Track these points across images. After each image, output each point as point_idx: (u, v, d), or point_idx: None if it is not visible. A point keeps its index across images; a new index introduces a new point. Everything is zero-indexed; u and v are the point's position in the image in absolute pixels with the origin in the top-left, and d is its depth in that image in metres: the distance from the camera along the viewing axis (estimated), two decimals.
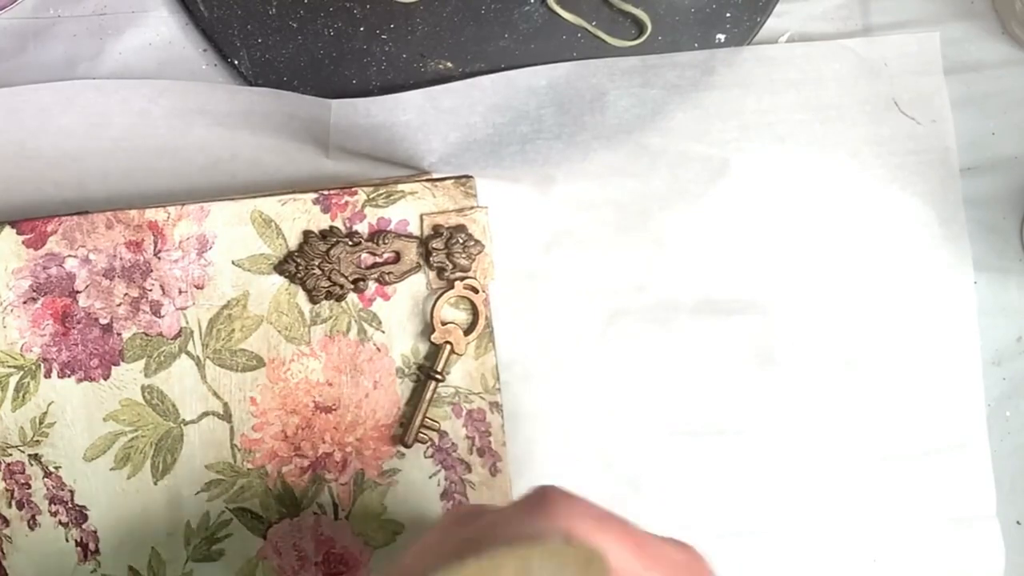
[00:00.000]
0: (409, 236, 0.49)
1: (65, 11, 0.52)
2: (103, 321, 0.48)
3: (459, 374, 0.49)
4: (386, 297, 0.49)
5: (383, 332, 0.49)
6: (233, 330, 0.49)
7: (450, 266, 0.49)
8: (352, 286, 0.49)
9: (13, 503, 0.48)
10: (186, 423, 0.49)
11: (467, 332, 0.49)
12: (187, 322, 0.48)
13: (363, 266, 0.49)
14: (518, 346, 0.52)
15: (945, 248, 0.53)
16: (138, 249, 0.48)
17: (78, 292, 0.48)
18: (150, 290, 0.48)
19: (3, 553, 0.48)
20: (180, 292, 0.48)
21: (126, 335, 0.48)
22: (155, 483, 0.49)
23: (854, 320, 0.53)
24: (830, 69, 0.53)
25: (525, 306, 0.53)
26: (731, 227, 0.53)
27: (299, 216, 0.49)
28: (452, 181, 0.49)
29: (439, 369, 0.48)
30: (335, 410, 0.49)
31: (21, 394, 0.48)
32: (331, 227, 0.49)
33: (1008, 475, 0.53)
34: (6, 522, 0.48)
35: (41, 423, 0.48)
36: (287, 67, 0.52)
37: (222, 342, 0.49)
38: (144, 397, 0.48)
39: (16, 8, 0.52)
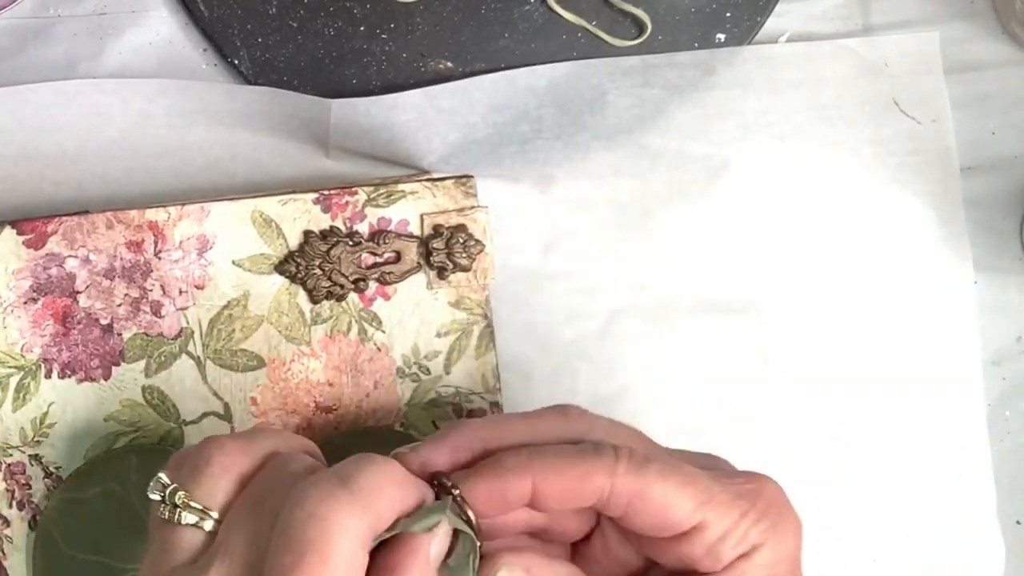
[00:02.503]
0: (409, 236, 0.49)
1: (65, 11, 0.52)
2: (103, 321, 0.48)
3: (460, 374, 0.49)
4: (387, 297, 0.49)
5: (383, 332, 0.49)
6: (233, 330, 0.49)
7: (450, 266, 0.49)
8: (352, 286, 0.49)
9: (14, 503, 0.48)
10: (187, 423, 0.48)
11: None
12: (187, 322, 0.48)
13: (363, 266, 0.49)
14: (518, 346, 0.52)
15: (945, 248, 0.53)
16: (138, 249, 0.48)
17: (78, 292, 0.48)
18: (150, 290, 0.48)
19: (3, 553, 0.48)
20: (180, 292, 0.48)
21: (126, 335, 0.48)
22: None
23: (853, 320, 0.53)
24: (830, 69, 0.53)
25: (525, 306, 0.53)
26: (731, 227, 0.53)
27: (299, 216, 0.49)
28: (452, 181, 0.49)
29: None
30: (335, 410, 0.49)
31: (22, 394, 0.48)
32: (331, 227, 0.49)
33: (1008, 475, 0.53)
34: (6, 522, 0.48)
35: (42, 423, 0.48)
36: (287, 67, 0.52)
37: (222, 342, 0.49)
38: (145, 397, 0.48)
39: (16, 8, 0.52)
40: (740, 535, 0.35)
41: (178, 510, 0.33)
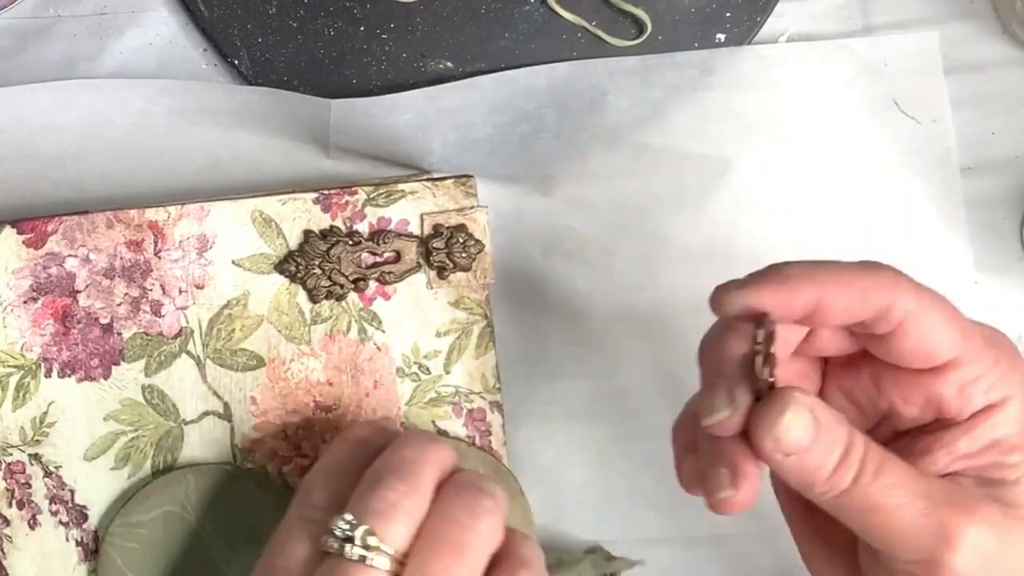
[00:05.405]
0: (409, 236, 0.49)
1: (65, 11, 0.52)
2: (103, 321, 0.48)
3: (460, 373, 0.49)
4: (386, 297, 0.49)
5: (383, 332, 0.49)
6: (233, 330, 0.49)
7: (450, 265, 0.49)
8: (352, 286, 0.49)
9: (13, 503, 0.48)
10: (186, 423, 0.49)
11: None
12: (187, 322, 0.48)
13: (363, 265, 0.49)
14: (518, 346, 0.52)
15: (945, 248, 0.53)
16: (138, 249, 0.48)
17: (78, 292, 0.48)
18: (150, 290, 0.48)
19: (3, 553, 0.48)
20: (180, 292, 0.48)
21: (126, 335, 0.48)
22: None
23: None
24: (830, 69, 0.53)
25: (525, 306, 0.53)
26: (731, 227, 0.53)
27: (299, 216, 0.49)
28: (452, 181, 0.49)
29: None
30: (335, 410, 0.49)
31: (21, 394, 0.48)
32: (331, 227, 0.49)
33: None
34: (6, 522, 0.48)
35: (41, 423, 0.48)
36: (287, 67, 0.52)
37: (222, 342, 0.49)
38: (144, 397, 0.48)
39: (16, 8, 0.52)
40: (992, 381, 0.37)
41: (357, 549, 0.35)
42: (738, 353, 0.38)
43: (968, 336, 0.37)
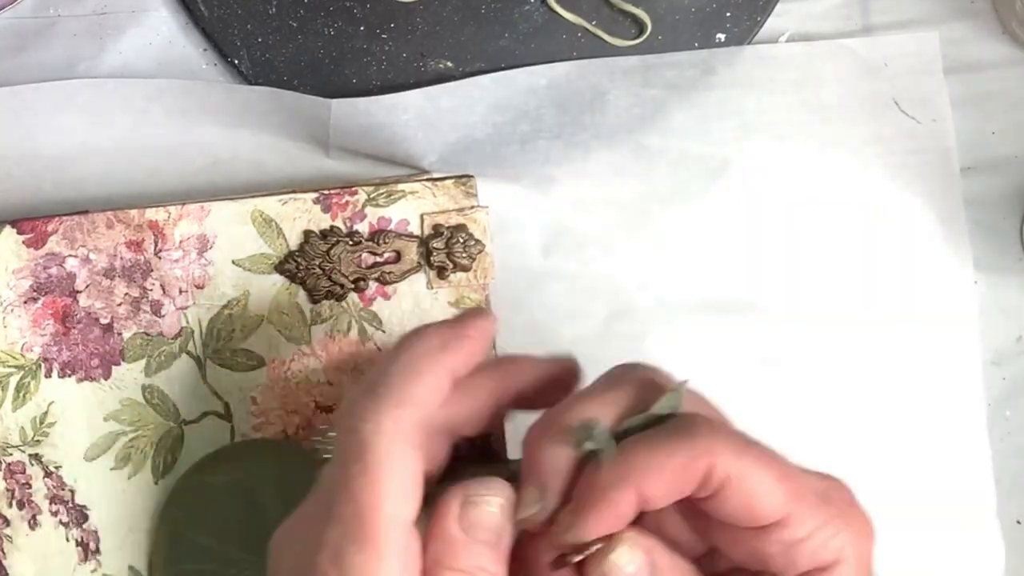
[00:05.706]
0: (409, 236, 0.49)
1: (65, 11, 0.52)
2: (103, 321, 0.48)
3: None
4: (386, 297, 0.49)
5: (384, 332, 0.49)
6: (233, 330, 0.49)
7: (450, 265, 0.49)
8: (352, 286, 0.49)
9: (13, 503, 0.48)
10: (186, 423, 0.49)
11: None
12: (187, 322, 0.48)
13: (363, 266, 0.49)
14: (518, 346, 0.52)
15: (945, 248, 0.53)
16: (138, 249, 0.48)
17: (78, 292, 0.48)
18: (150, 290, 0.48)
19: (3, 553, 0.48)
20: (180, 292, 0.48)
21: (127, 335, 0.48)
22: (156, 483, 0.49)
23: (854, 320, 0.53)
24: (830, 69, 0.53)
25: (525, 306, 0.53)
26: (731, 227, 0.53)
27: (299, 216, 0.49)
28: (452, 181, 0.49)
29: None
30: (335, 409, 0.49)
31: (21, 394, 0.48)
32: (331, 227, 0.49)
33: (1008, 475, 0.53)
34: (6, 522, 0.48)
35: (41, 423, 0.48)
36: (287, 67, 0.52)
37: (222, 342, 0.49)
38: (144, 397, 0.48)
39: (16, 8, 0.52)
40: (821, 542, 0.33)
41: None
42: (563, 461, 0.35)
43: (798, 495, 0.34)
